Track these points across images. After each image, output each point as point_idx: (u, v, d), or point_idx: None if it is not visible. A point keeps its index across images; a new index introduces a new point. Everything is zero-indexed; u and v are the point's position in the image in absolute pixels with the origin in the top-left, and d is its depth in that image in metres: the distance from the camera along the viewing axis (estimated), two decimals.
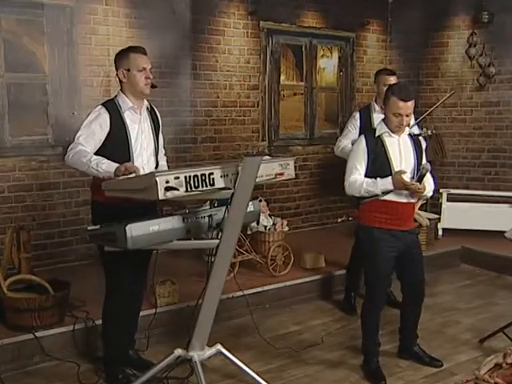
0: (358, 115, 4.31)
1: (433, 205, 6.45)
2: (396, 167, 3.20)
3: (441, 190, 6.17)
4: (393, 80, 4.21)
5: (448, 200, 6.21)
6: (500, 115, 6.58)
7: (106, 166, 2.87)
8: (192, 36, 5.57)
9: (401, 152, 3.24)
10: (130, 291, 3.21)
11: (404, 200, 3.23)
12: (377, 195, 3.22)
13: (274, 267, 4.75)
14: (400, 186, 3.17)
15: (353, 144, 4.21)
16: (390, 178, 3.18)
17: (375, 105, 4.30)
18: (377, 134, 3.24)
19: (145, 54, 3.13)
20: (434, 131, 5.26)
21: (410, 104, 3.16)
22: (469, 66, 6.62)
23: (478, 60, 6.49)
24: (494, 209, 6.06)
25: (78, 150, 2.95)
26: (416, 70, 6.97)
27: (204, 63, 5.70)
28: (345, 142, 4.30)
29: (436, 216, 5.92)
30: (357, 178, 3.24)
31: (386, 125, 3.24)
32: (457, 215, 6.06)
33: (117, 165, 2.86)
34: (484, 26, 6.46)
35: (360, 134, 4.20)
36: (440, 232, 6.06)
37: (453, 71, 6.79)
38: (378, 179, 3.19)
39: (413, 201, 3.28)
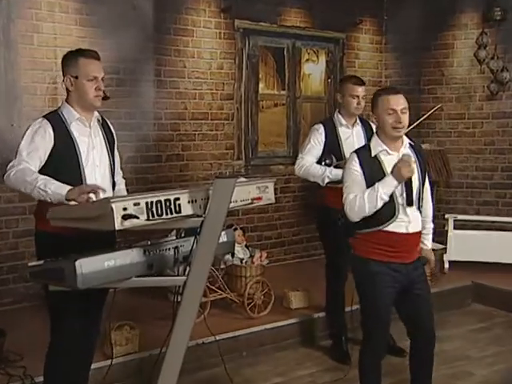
0: (322, 128, 4.41)
1: (438, 233, 6.48)
2: (397, 190, 3.22)
3: (446, 216, 6.29)
4: (361, 92, 4.33)
5: (455, 227, 6.33)
6: None
7: (56, 187, 2.88)
8: (155, 36, 5.68)
9: None
10: (81, 340, 3.21)
11: (406, 230, 3.25)
12: (379, 225, 3.22)
13: (251, 307, 4.79)
14: (404, 171, 3.15)
15: (319, 162, 4.35)
16: (388, 177, 3.17)
17: (340, 118, 4.42)
18: (373, 154, 3.27)
19: (97, 59, 3.17)
20: (437, 147, 5.43)
21: (402, 99, 3.24)
22: (478, 71, 6.81)
23: (488, 64, 6.66)
24: (510, 238, 6.19)
25: (21, 168, 2.96)
26: (416, 77, 7.15)
27: (169, 68, 5.80)
28: (309, 160, 4.38)
29: (441, 246, 6.01)
30: (356, 193, 3.22)
31: (382, 141, 3.26)
32: (466, 245, 6.18)
33: (69, 187, 2.87)
34: (496, 25, 6.63)
35: (324, 151, 4.35)
36: (446, 265, 6.17)
37: (459, 77, 6.98)
38: (376, 183, 3.19)
39: (419, 229, 3.32)
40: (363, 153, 3.30)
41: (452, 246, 6.23)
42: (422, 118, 5.51)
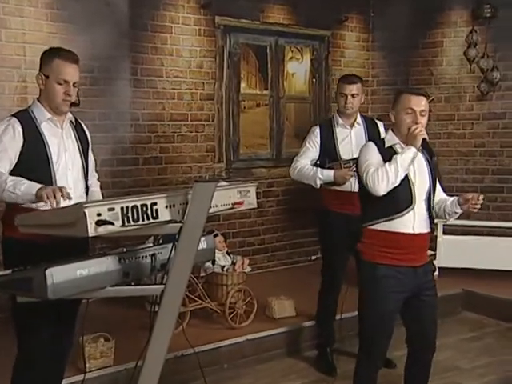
0: (318, 130, 4.46)
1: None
2: (413, 181, 3.27)
3: (436, 221, 6.23)
4: (350, 90, 4.36)
5: (445, 233, 6.37)
6: (506, 129, 6.83)
7: (26, 188, 2.86)
8: (131, 33, 5.66)
9: (414, 166, 3.32)
10: (51, 354, 3.17)
11: (413, 230, 3.27)
12: (397, 212, 3.24)
13: (233, 317, 4.78)
14: (417, 132, 3.22)
15: (315, 165, 4.38)
16: (408, 149, 3.23)
17: (337, 118, 4.47)
18: (387, 145, 3.35)
19: (74, 62, 3.14)
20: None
21: (424, 101, 3.31)
22: (468, 71, 6.87)
23: (478, 63, 6.72)
24: (501, 243, 6.25)
25: None
26: (404, 76, 7.19)
27: (147, 67, 5.78)
28: (303, 162, 4.42)
29: (430, 252, 5.98)
30: (376, 167, 3.24)
31: (397, 137, 3.35)
32: (456, 251, 6.22)
33: (40, 185, 2.84)
34: (486, 22, 6.70)
35: (321, 153, 4.38)
36: (436, 272, 6.15)
37: (449, 77, 7.04)
38: (397, 156, 3.23)
39: (426, 231, 3.34)
40: (378, 143, 3.40)
41: (441, 252, 6.27)
42: None
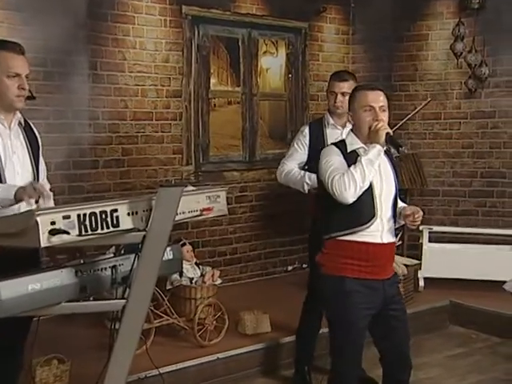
0: (307, 130, 4.47)
1: (411, 246, 6.65)
2: (377, 189, 3.27)
3: (421, 228, 6.35)
4: (343, 88, 4.37)
5: (431, 240, 6.41)
6: (496, 129, 6.89)
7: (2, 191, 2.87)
8: (89, 23, 5.61)
9: (380, 171, 3.32)
10: None
11: (381, 240, 3.29)
12: (360, 224, 3.23)
13: (202, 334, 4.76)
14: (379, 126, 3.22)
15: (303, 168, 4.38)
16: (372, 147, 3.22)
17: (328, 117, 4.47)
18: (349, 149, 3.32)
19: (21, 53, 3.12)
20: (410, 151, 5.48)
21: (382, 97, 3.31)
22: (455, 66, 6.92)
23: (466, 58, 6.76)
24: (491, 252, 6.28)
25: None
26: (387, 72, 7.23)
27: (107, 61, 5.74)
28: (290, 165, 4.43)
29: (415, 261, 6.07)
30: (342, 172, 3.21)
31: (358, 138, 3.33)
32: (442, 260, 6.24)
33: (17, 186, 2.85)
34: (474, 14, 6.75)
35: (310, 155, 4.37)
36: (421, 283, 6.24)
37: (434, 72, 7.09)
38: (361, 157, 3.21)
39: (393, 240, 3.36)
40: (341, 147, 3.36)
41: (427, 262, 6.29)
42: (409, 115, 5.56)
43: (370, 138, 3.25)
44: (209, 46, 6.41)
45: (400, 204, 3.47)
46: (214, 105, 6.53)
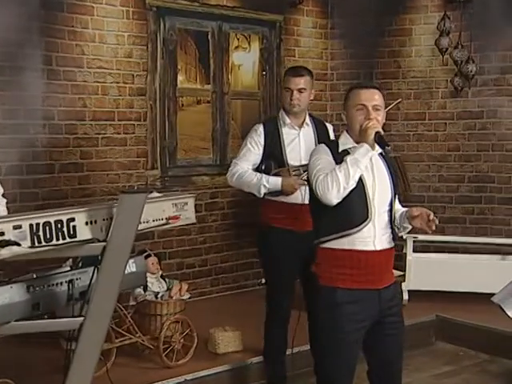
0: (261, 129, 4.46)
1: (394, 256, 6.61)
2: (370, 191, 3.28)
3: (404, 236, 6.33)
4: (300, 84, 4.37)
5: (415, 250, 6.43)
6: (484, 130, 6.96)
7: None
8: (43, 14, 5.55)
9: (373, 173, 3.33)
10: None
11: (374, 247, 3.28)
12: (352, 227, 3.24)
13: (168, 354, 4.74)
14: (369, 125, 3.24)
15: (257, 170, 4.38)
16: (360, 146, 3.24)
17: (284, 116, 4.47)
18: (341, 149, 3.35)
19: None
20: (393, 153, 5.44)
21: (377, 95, 3.34)
22: (440, 63, 6.98)
23: (452, 54, 6.80)
24: (479, 262, 6.33)
25: None
26: (368, 69, 7.27)
27: (63, 55, 5.69)
28: (243, 166, 4.41)
29: (399, 273, 6.06)
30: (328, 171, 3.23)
31: (351, 137, 3.37)
32: (428, 271, 6.28)
33: None
34: (460, 7, 6.80)
35: (265, 156, 4.38)
36: (405, 296, 6.24)
37: (418, 70, 7.14)
38: (347, 156, 3.21)
39: (389, 246, 3.36)
40: (331, 146, 3.40)
41: (411, 273, 6.32)
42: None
43: (359, 137, 3.28)
44: (176, 40, 6.38)
45: (399, 209, 3.48)
46: (182, 104, 6.52)
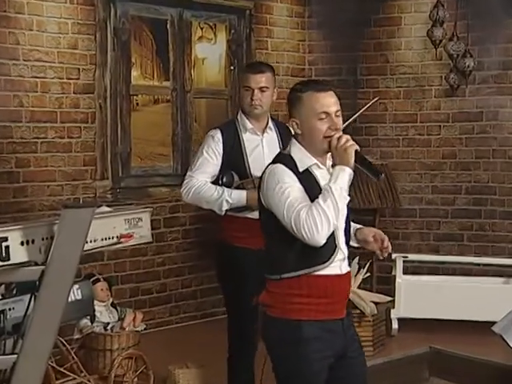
0: (219, 135, 4.44)
1: (382, 279, 6.70)
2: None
3: (393, 256, 6.38)
4: (261, 82, 4.37)
5: (406, 272, 6.44)
6: (483, 134, 7.00)
7: None
8: None
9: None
10: None
11: (340, 270, 3.29)
12: (322, 262, 3.21)
13: None
14: (348, 146, 3.18)
15: (216, 182, 4.35)
16: (345, 171, 3.17)
17: (244, 120, 4.46)
18: (301, 168, 3.26)
19: None
20: (380, 161, 5.46)
21: (335, 98, 3.28)
22: (433, 57, 7.00)
23: (446, 47, 6.82)
24: (478, 286, 6.34)
25: None
26: (351, 63, 7.29)
27: None
28: (200, 179, 4.38)
29: (387, 298, 6.08)
30: (306, 207, 3.14)
31: (309, 151, 3.30)
32: (420, 297, 6.27)
33: None
34: None
35: (224, 166, 4.37)
36: (395, 325, 6.26)
37: (409, 65, 7.18)
38: (330, 185, 3.15)
39: (349, 269, 3.37)
40: (290, 165, 3.28)
41: (401, 298, 6.32)
42: (351, 119, 5.57)
43: (335, 159, 3.21)
44: (129, 29, 6.36)
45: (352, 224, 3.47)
46: (137, 103, 6.51)
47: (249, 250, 4.27)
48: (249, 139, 4.43)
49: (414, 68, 7.15)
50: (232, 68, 7.04)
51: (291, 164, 3.27)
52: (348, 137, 3.19)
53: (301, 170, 3.26)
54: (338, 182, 3.14)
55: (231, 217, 4.35)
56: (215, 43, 6.98)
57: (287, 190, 3.19)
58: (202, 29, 6.85)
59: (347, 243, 3.35)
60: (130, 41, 6.37)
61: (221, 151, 4.39)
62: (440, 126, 7.11)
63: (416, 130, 7.16)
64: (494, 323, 4.28)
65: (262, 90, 4.35)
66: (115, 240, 3.08)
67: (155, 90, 6.62)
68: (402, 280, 6.38)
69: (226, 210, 4.32)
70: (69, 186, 6.01)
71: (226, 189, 4.30)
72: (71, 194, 6.00)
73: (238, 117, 4.51)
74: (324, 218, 3.08)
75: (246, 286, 4.28)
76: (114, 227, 3.09)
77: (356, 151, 3.18)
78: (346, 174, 3.16)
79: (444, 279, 6.48)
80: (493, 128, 6.95)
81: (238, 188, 4.32)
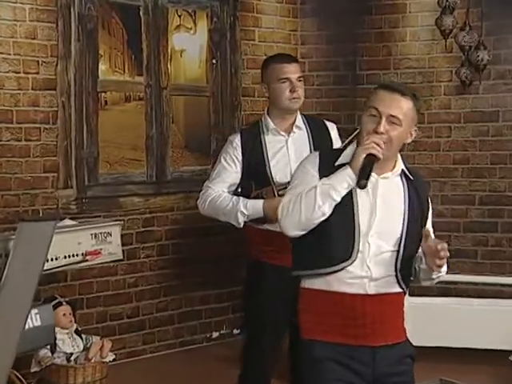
0: (237, 140, 4.47)
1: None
2: (363, 225, 3.26)
3: None
4: (293, 71, 4.42)
5: (412, 294, 6.34)
6: (500, 137, 7.02)
7: None
8: None
9: (375, 202, 3.30)
10: None
11: (364, 291, 3.28)
12: (331, 264, 3.23)
13: None
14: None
15: (234, 193, 4.41)
16: (345, 170, 3.24)
17: (268, 121, 4.50)
18: (340, 161, 3.32)
19: None
20: None
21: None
22: (442, 49, 7.01)
23: (457, 38, 6.83)
24: (495, 309, 6.35)
25: None
26: (349, 57, 7.32)
27: None
28: (217, 189, 4.42)
29: None
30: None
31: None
32: (429, 321, 6.28)
33: None
34: None
35: (246, 173, 4.42)
36: None
37: (415, 58, 7.21)
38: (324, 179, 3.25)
39: (393, 291, 3.36)
40: (327, 155, 3.42)
41: (408, 324, 6.16)
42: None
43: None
44: (96, 17, 6.34)
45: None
46: (106, 101, 6.51)
47: (275, 266, 4.30)
48: (271, 141, 4.46)
49: (421, 62, 7.18)
50: (214, 61, 7.05)
51: (330, 156, 3.44)
52: (376, 141, 3.22)
53: (337, 163, 3.33)
54: (331, 179, 3.23)
55: (254, 230, 4.42)
56: (195, 33, 6.99)
57: (298, 176, 3.43)
58: (179, 16, 6.86)
59: (396, 266, 3.31)
60: (97, 29, 6.35)
61: (240, 157, 4.44)
62: (450, 127, 7.13)
63: (423, 133, 7.09)
64: (509, 352, 4.29)
65: (299, 79, 4.42)
66: (80, 257, 3.21)
67: (126, 86, 6.62)
68: (408, 303, 6.30)
69: (245, 223, 4.35)
70: (26, 196, 5.97)
71: (241, 199, 4.36)
72: (29, 206, 5.96)
73: (262, 117, 4.55)
74: (295, 208, 3.25)
75: (271, 307, 4.36)
76: (79, 243, 3.19)
77: (369, 155, 3.21)
78: (344, 174, 3.23)
79: (456, 301, 6.48)
80: (510, 130, 6.96)
81: (256, 197, 4.35)
